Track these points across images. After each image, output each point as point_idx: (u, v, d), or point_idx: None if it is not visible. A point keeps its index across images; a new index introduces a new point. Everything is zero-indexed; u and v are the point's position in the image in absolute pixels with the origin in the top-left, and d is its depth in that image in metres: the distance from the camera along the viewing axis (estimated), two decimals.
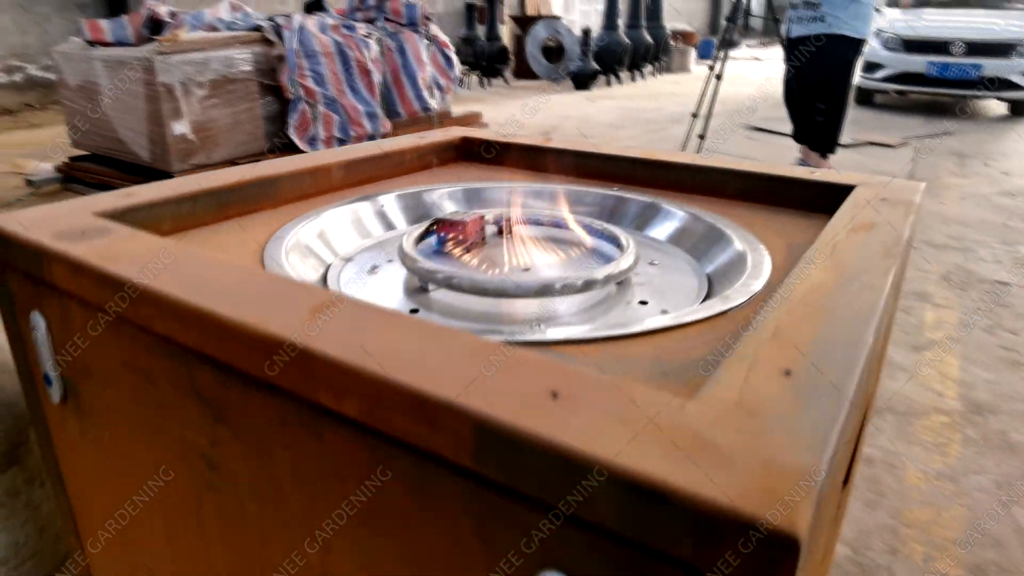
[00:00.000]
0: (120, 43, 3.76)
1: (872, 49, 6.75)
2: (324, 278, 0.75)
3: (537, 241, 0.84)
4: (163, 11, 3.95)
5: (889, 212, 0.74)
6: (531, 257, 0.80)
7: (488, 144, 1.18)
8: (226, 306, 0.48)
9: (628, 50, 9.02)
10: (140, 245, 0.62)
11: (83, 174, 3.91)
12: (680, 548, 0.31)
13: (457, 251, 0.80)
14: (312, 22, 4.06)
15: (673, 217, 0.90)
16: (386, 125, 4.37)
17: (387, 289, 0.73)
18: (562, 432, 0.34)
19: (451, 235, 0.81)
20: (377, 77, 4.30)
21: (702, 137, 4.40)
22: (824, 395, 0.38)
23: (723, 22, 4.39)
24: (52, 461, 0.76)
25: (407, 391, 0.39)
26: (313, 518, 0.48)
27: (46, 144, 5.18)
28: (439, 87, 4.80)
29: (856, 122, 6.20)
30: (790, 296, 0.51)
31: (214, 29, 3.87)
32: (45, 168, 4.14)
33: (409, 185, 1.00)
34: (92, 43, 3.79)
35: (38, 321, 0.67)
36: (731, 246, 0.78)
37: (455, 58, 4.87)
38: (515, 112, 6.86)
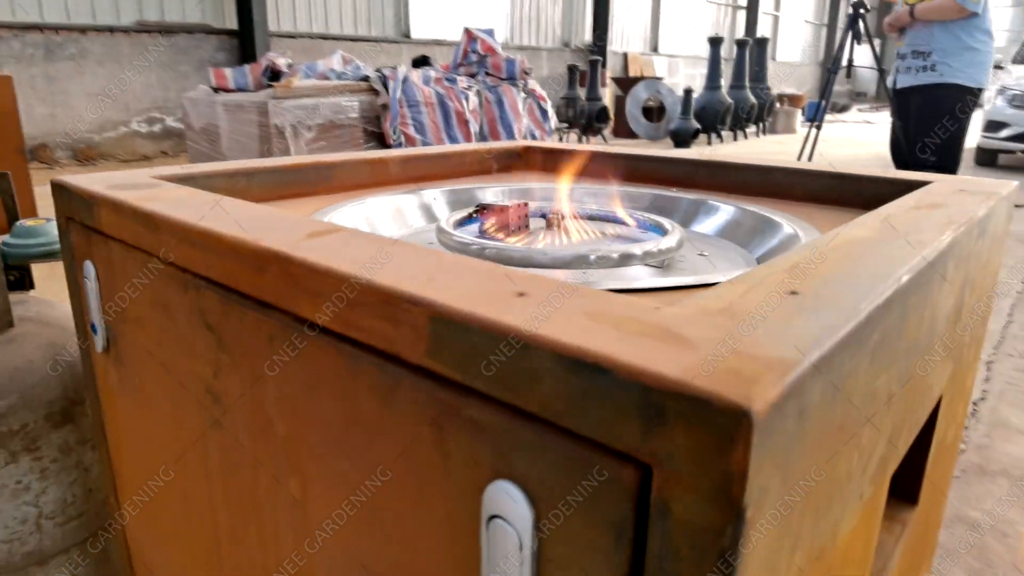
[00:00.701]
0: (240, 89, 4.08)
1: (996, 107, 6.37)
2: None
3: (582, 227, 0.82)
4: (281, 62, 4.28)
5: (962, 199, 0.67)
6: (572, 238, 0.78)
7: (549, 151, 1.17)
8: (229, 230, 0.49)
9: (730, 110, 8.94)
10: (178, 194, 0.64)
11: None
12: (627, 437, 0.27)
13: (497, 234, 0.79)
14: (416, 75, 4.27)
15: (722, 212, 0.85)
16: None
17: None
18: (513, 318, 0.32)
19: (492, 219, 0.80)
20: (474, 126, 4.44)
21: None
22: (828, 311, 0.33)
23: (825, 69, 4.26)
24: (98, 416, 0.79)
25: (372, 288, 0.37)
26: (294, 444, 0.47)
27: None
28: (534, 138, 4.90)
29: None
30: (820, 244, 0.46)
31: (325, 78, 4.15)
32: None
33: (466, 184, 1.01)
34: (216, 89, 4.15)
35: (89, 270, 0.71)
36: (781, 231, 0.73)
37: (551, 111, 4.98)
38: None
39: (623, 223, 0.81)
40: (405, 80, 4.14)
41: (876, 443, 0.41)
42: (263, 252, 0.45)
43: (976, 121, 5.39)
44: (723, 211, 0.86)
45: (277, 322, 0.45)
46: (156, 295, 0.60)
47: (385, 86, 4.07)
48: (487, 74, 4.74)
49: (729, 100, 8.87)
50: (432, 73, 4.43)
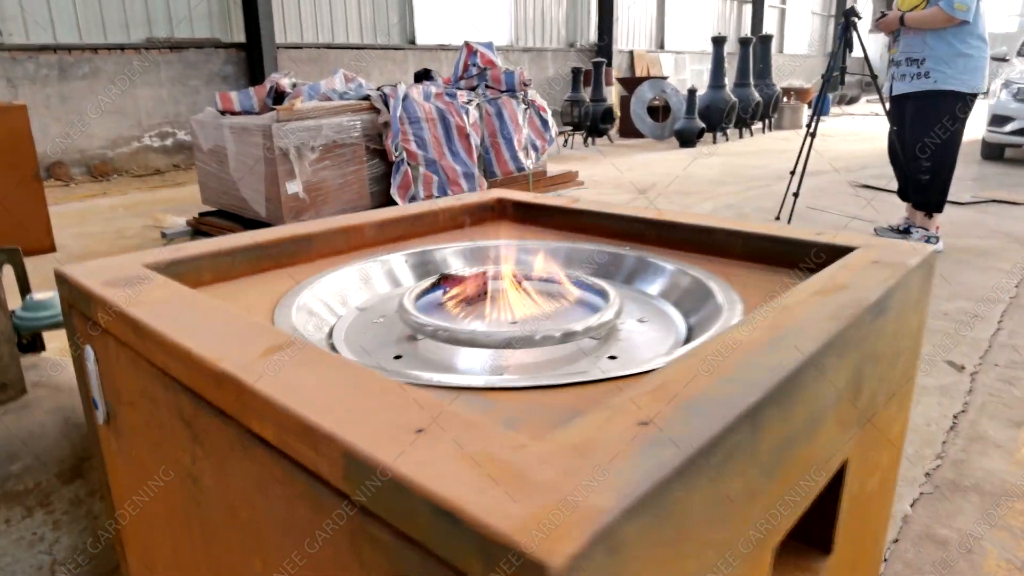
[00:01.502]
0: (246, 112, 4.19)
1: (1001, 101, 6.35)
2: (331, 330, 0.83)
3: (533, 296, 0.89)
4: (285, 83, 4.37)
5: (871, 275, 0.74)
6: (523, 311, 0.85)
7: (519, 204, 1.25)
8: (197, 343, 0.57)
9: (735, 107, 8.95)
10: (163, 293, 0.73)
11: (209, 228, 4.34)
12: (472, 569, 0.35)
13: (457, 305, 0.87)
14: (417, 91, 4.36)
15: (666, 273, 0.92)
16: (482, 184, 4.57)
17: (384, 336, 0.80)
18: (404, 461, 0.40)
19: (453, 289, 0.88)
20: (475, 140, 4.52)
21: (796, 195, 4.29)
22: (666, 445, 0.41)
23: (819, 79, 4.30)
24: (103, 474, 0.88)
25: (299, 421, 0.45)
26: (255, 529, 0.55)
27: (184, 201, 5.80)
28: (535, 148, 4.98)
29: (981, 178, 5.81)
30: (699, 352, 0.54)
31: (328, 99, 4.24)
32: (179, 222, 4.63)
33: (437, 243, 1.09)
34: (223, 112, 4.26)
35: (89, 354, 0.80)
36: (712, 299, 0.80)
37: (551, 120, 5.05)
38: (615, 170, 6.95)
39: (568, 292, 0.89)
40: (406, 97, 4.22)
41: (737, 535, 0.49)
42: (221, 373, 0.53)
43: (981, 116, 5.37)
44: (666, 272, 0.94)
45: (234, 430, 0.53)
46: (144, 386, 0.69)
47: (386, 104, 4.16)
48: (487, 87, 4.81)
49: (733, 98, 8.89)
50: (433, 89, 4.51)
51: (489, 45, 4.87)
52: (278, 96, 4.35)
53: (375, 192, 4.29)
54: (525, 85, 4.80)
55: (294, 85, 4.46)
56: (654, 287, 0.94)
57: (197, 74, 8.44)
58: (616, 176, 6.56)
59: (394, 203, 4.26)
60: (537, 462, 0.39)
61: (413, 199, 4.37)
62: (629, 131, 9.65)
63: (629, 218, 1.09)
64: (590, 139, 9.26)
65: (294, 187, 3.92)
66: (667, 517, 0.39)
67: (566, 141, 9.11)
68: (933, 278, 0.87)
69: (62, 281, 0.82)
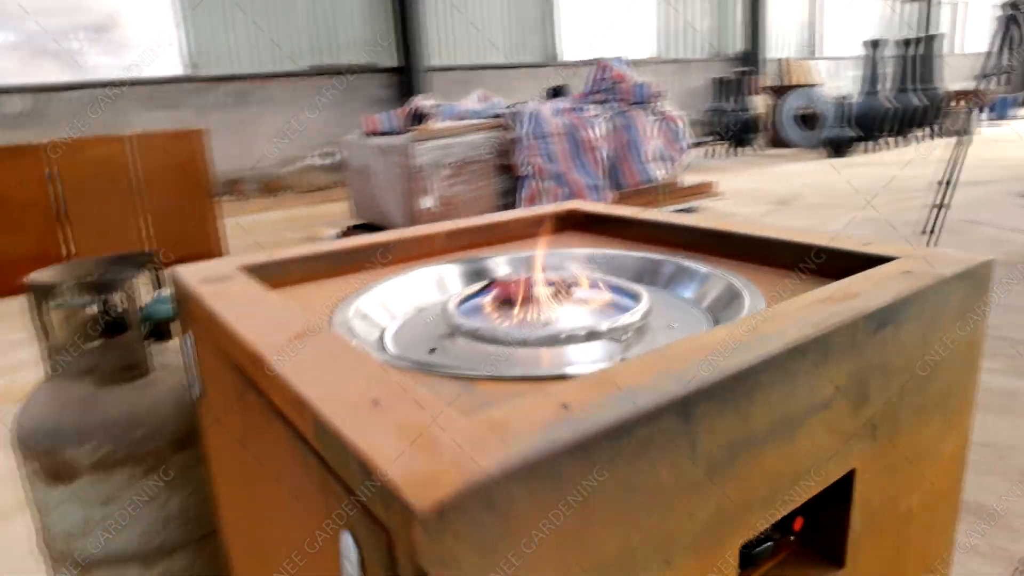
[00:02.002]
0: (389, 132, 4.52)
1: None
2: (388, 325, 0.93)
3: (572, 300, 0.95)
4: (427, 105, 4.66)
5: (887, 285, 0.72)
6: (558, 313, 0.91)
7: (589, 215, 1.30)
8: (245, 329, 0.69)
9: (892, 115, 8.30)
10: (240, 290, 0.86)
11: None
12: (376, 512, 0.42)
13: (497, 307, 0.94)
14: (547, 107, 4.48)
15: (706, 281, 0.94)
16: (608, 196, 4.60)
17: (428, 332, 0.89)
18: (348, 428, 0.48)
19: (496, 293, 0.96)
20: (602, 153, 4.57)
21: (940, 207, 3.92)
22: (567, 426, 0.46)
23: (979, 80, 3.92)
24: (202, 443, 1.04)
25: (293, 393, 0.55)
26: (264, 476, 0.66)
27: (339, 215, 6.31)
28: (667, 159, 4.94)
29: None
30: (669, 349, 0.58)
31: (463, 118, 4.47)
32: (331, 234, 5.05)
33: (503, 252, 1.16)
34: (369, 133, 4.61)
35: (188, 339, 0.95)
36: (740, 307, 0.82)
37: (684, 131, 4.98)
38: (756, 181, 6.70)
39: (603, 296, 0.94)
40: (535, 114, 4.36)
41: (678, 525, 0.52)
42: (255, 353, 0.64)
43: None
44: (703, 278, 0.96)
45: (267, 405, 0.64)
46: (216, 366, 0.82)
47: (516, 121, 4.32)
48: (617, 100, 4.85)
49: (890, 106, 8.25)
50: (562, 104, 4.62)
51: (620, 60, 4.91)
52: (419, 117, 4.65)
53: (503, 205, 4.45)
54: (656, 97, 4.78)
55: (436, 106, 4.74)
56: (690, 292, 0.96)
57: (356, 97, 9.13)
58: (757, 187, 6.32)
59: None
60: (452, 432, 0.46)
61: None
62: (777, 141, 9.24)
63: (687, 228, 1.11)
64: (734, 149, 8.97)
65: (427, 202, 4.17)
66: (565, 488, 0.44)
67: (707, 152, 8.89)
68: (988, 291, 0.83)
69: (175, 279, 0.98)
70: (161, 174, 4.80)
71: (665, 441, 0.50)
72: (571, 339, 0.77)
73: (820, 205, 5.39)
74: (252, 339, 0.67)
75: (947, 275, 0.76)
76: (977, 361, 0.86)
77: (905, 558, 0.83)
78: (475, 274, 1.08)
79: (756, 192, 6.08)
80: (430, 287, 1.05)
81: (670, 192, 5.02)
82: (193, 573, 1.15)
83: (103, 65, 7.64)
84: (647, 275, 1.04)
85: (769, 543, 0.68)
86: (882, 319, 0.67)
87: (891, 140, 8.81)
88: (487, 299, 0.95)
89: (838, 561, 0.74)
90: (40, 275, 1.15)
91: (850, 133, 8.02)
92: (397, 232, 1.17)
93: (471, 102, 4.68)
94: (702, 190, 5.32)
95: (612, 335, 0.79)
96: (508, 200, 4.46)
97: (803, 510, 0.74)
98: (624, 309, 0.91)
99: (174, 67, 7.97)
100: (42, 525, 1.13)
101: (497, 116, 4.38)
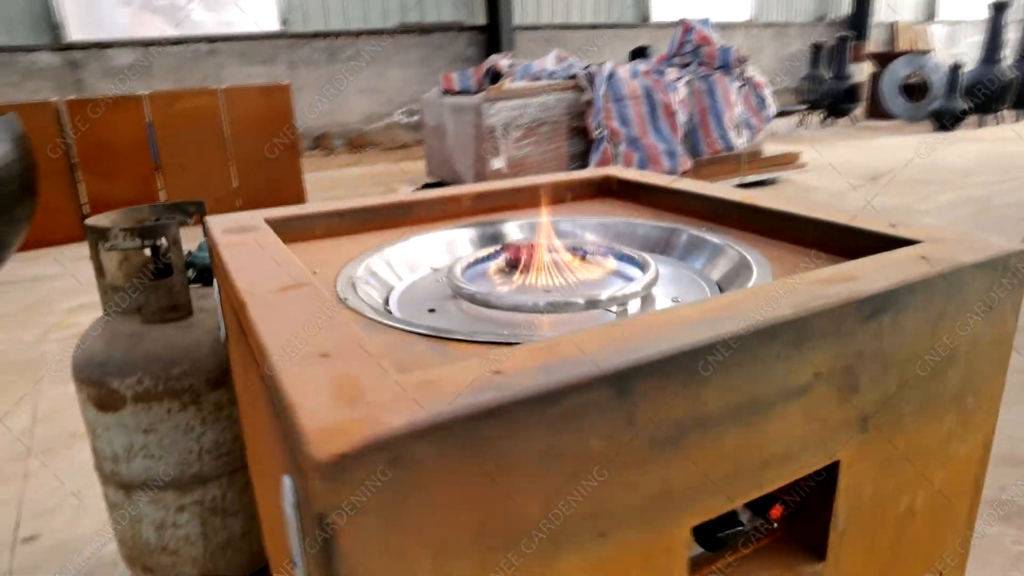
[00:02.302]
0: (464, 92, 4.52)
1: None
2: (396, 285, 0.95)
3: (577, 268, 0.94)
4: (503, 64, 4.63)
5: (894, 269, 0.68)
6: (560, 280, 0.91)
7: (624, 182, 1.27)
8: (242, 279, 0.72)
9: (1013, 86, 7.62)
10: (255, 241, 0.90)
11: None
12: (291, 455, 0.44)
13: (503, 271, 0.94)
14: (624, 69, 4.37)
15: (722, 255, 0.92)
16: (685, 163, 4.47)
17: (434, 293, 0.91)
18: (288, 377, 0.50)
19: (507, 258, 0.96)
20: (681, 118, 4.43)
21: None
22: (491, 391, 0.46)
23: None
24: (231, 383, 1.11)
25: (260, 340, 0.57)
26: (255, 419, 0.69)
27: (420, 173, 6.41)
28: (749, 127, 4.73)
29: None
30: (629, 322, 0.57)
31: (538, 79, 4.42)
32: (407, 191, 5.15)
33: (534, 216, 1.16)
34: (445, 92, 4.63)
35: (216, 287, 1.01)
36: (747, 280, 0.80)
37: (770, 98, 4.75)
38: (849, 153, 6.33)
39: (612, 264, 0.92)
40: (612, 76, 4.26)
41: (615, 498, 0.52)
42: (240, 300, 0.67)
43: None
44: (721, 254, 0.93)
45: (249, 352, 0.68)
46: (229, 311, 0.87)
47: (592, 83, 4.23)
48: (701, 64, 4.67)
49: (1011, 76, 7.56)
50: (641, 66, 4.48)
51: (706, 22, 4.71)
52: (495, 76, 4.62)
53: (575, 167, 4.40)
54: (741, 61, 4.57)
55: (511, 66, 4.70)
56: (704, 265, 0.94)
57: (441, 55, 9.15)
58: (847, 160, 5.98)
59: None
60: (380, 388, 0.47)
61: None
62: (877, 112, 8.68)
63: (715, 199, 1.08)
64: (829, 120, 8.49)
65: (498, 163, 4.17)
66: (483, 452, 0.45)
67: (801, 122, 8.46)
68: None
69: (206, 228, 1.04)
70: (248, 126, 4.99)
71: (597, 412, 0.49)
72: (564, 307, 0.77)
73: (915, 182, 5.05)
74: (243, 288, 0.70)
75: (967, 263, 0.71)
76: (1006, 359, 0.80)
77: (905, 558, 0.80)
78: (494, 238, 1.09)
79: (846, 166, 5.75)
80: (448, 249, 1.06)
81: (750, 161, 4.82)
82: (224, 503, 1.24)
83: (204, 21, 7.94)
84: (662, 245, 1.02)
85: (740, 528, 0.67)
86: (877, 305, 0.64)
87: (1008, 114, 8.11)
88: (494, 263, 0.96)
89: (819, 554, 0.71)
90: (96, 219, 1.23)
91: (961, 105, 7.42)
92: (423, 193, 1.18)
93: (548, 62, 4.61)
94: (785, 161, 5.09)
95: (607, 304, 0.79)
96: (580, 163, 4.40)
97: (788, 499, 0.72)
98: (628, 279, 0.90)
99: (270, 23, 8.20)
100: (93, 448, 1.24)
101: (572, 77, 4.30)
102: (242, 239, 0.91)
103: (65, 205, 4.57)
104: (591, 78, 4.24)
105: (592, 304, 0.77)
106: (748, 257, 0.89)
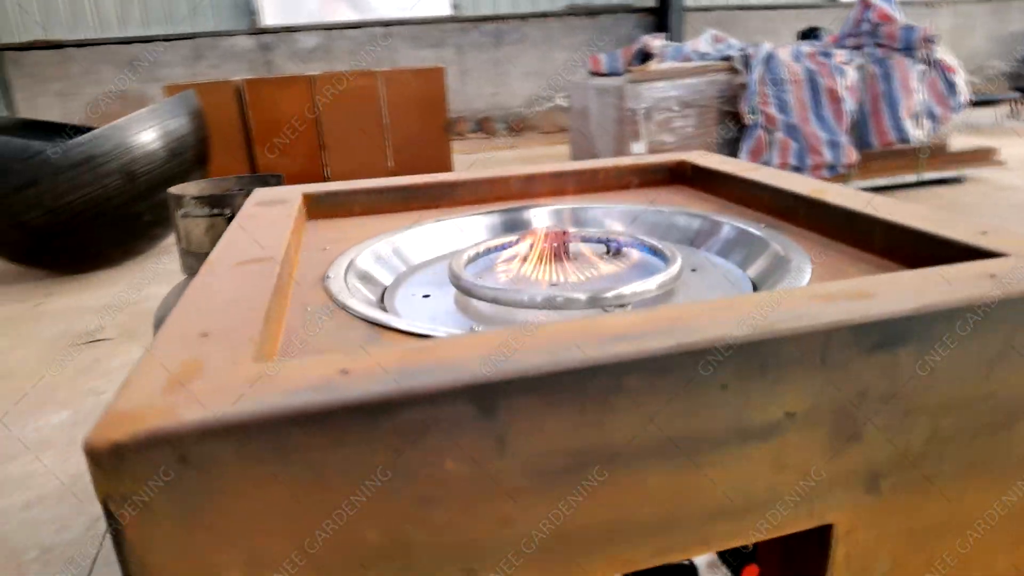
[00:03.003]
0: (611, 73, 4.39)
1: None
2: (400, 273, 0.91)
3: (593, 260, 0.85)
4: (655, 44, 4.44)
5: (932, 290, 0.53)
6: (570, 274, 0.82)
7: (699, 169, 1.14)
8: (220, 250, 0.72)
9: None
10: (270, 215, 0.90)
11: None
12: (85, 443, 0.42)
13: (511, 264, 0.87)
14: (785, 51, 4.01)
15: (756, 251, 0.78)
16: (851, 155, 4.04)
17: (441, 277, 0.86)
18: (148, 357, 0.47)
19: (521, 247, 0.89)
20: (849, 105, 4.00)
21: None
22: (310, 394, 0.41)
23: None
24: None
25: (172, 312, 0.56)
26: None
27: (564, 156, 6.35)
28: (932, 117, 4.18)
29: None
30: (561, 327, 0.48)
31: (689, 60, 4.18)
32: None
33: (590, 202, 1.07)
34: (592, 73, 4.52)
35: None
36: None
37: (962, 84, 4.16)
38: None
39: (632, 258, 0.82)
40: (770, 57, 3.93)
41: (465, 526, 0.44)
42: (201, 271, 0.66)
43: None
44: (762, 254, 0.80)
45: None
46: None
47: (746, 64, 3.93)
48: (878, 45, 4.17)
49: None
50: (806, 48, 4.09)
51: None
52: (645, 57, 4.44)
53: (725, 155, 4.13)
54: (928, 42, 4.03)
55: (663, 46, 4.50)
56: (746, 266, 0.81)
57: (608, 38, 8.99)
58: None
59: None
60: (215, 377, 0.43)
61: (764, 165, 4.09)
62: None
63: (783, 192, 0.93)
64: None
65: (639, 147, 4.01)
66: (295, 459, 0.40)
67: (1012, 111, 7.34)
68: None
69: (249, 198, 1.06)
70: (404, 108, 5.20)
71: (453, 430, 0.42)
72: (552, 303, 0.69)
73: None
74: (212, 259, 0.69)
75: (993, 295, 0.53)
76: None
77: None
78: (524, 224, 1.01)
79: None
80: (479, 232, 1.01)
81: (932, 156, 4.25)
82: None
83: (381, 6, 8.36)
84: (703, 238, 0.89)
85: None
86: (889, 334, 0.50)
87: None
88: (512, 250, 0.89)
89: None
90: (176, 188, 1.31)
91: None
92: (471, 173, 1.13)
93: (701, 43, 4.34)
94: (977, 157, 4.43)
95: (603, 304, 0.70)
96: (730, 151, 4.11)
97: (766, 559, 0.59)
98: (649, 275, 0.80)
99: (441, 8, 8.48)
100: None
101: (727, 58, 4.01)
102: (262, 211, 0.92)
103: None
104: (747, 60, 3.94)
105: (591, 302, 0.68)
106: (795, 263, 0.75)
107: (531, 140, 8.45)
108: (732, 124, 4.07)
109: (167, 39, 7.70)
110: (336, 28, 8.14)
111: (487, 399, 0.42)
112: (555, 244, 0.87)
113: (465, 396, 0.41)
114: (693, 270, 0.85)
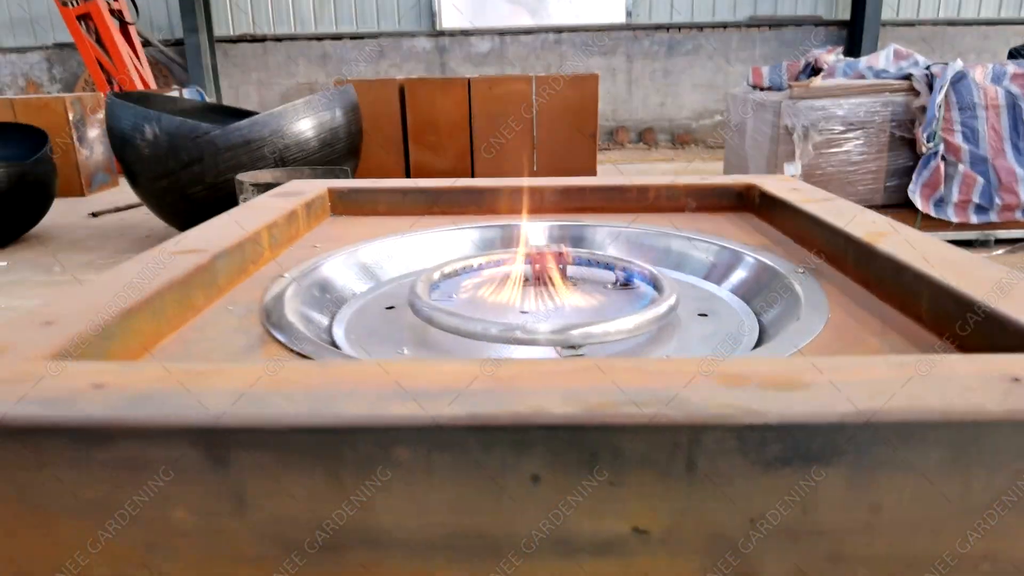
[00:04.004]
0: (773, 87, 4.07)
1: None
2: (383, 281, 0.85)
3: (585, 288, 0.74)
4: (828, 59, 4.07)
5: (922, 388, 0.38)
6: (545, 302, 0.72)
7: (766, 196, 0.98)
8: (190, 237, 0.70)
9: None
10: (269, 206, 0.88)
11: None
12: None
13: (494, 281, 0.78)
14: (982, 71, 3.50)
15: (772, 300, 0.64)
16: None
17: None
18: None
19: (503, 267, 0.79)
20: None
21: None
22: (46, 407, 0.35)
23: None
24: None
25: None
26: None
27: (719, 171, 6.01)
28: None
29: None
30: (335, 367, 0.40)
31: (861, 77, 3.78)
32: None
33: (625, 222, 0.95)
34: (754, 87, 4.23)
35: None
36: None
37: None
38: None
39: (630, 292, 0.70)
40: (960, 78, 3.43)
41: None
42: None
43: None
44: (785, 304, 0.65)
45: None
46: None
47: (929, 85, 3.47)
48: None
49: None
50: (1011, 68, 3.54)
51: None
52: (815, 72, 4.08)
53: (891, 187, 3.69)
54: None
55: (836, 61, 4.10)
56: (764, 310, 0.66)
57: (791, 51, 8.43)
58: None
59: (910, 204, 3.59)
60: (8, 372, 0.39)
61: (941, 202, 3.60)
62: None
63: (835, 231, 0.76)
64: None
65: (792, 169, 3.68)
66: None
67: None
68: None
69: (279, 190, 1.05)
70: (555, 113, 5.18)
71: (182, 477, 0.35)
72: (494, 337, 0.60)
73: None
74: (161, 246, 0.67)
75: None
76: None
77: None
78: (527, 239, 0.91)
79: None
80: (472, 245, 0.92)
81: None
82: None
83: (556, 12, 8.41)
84: (720, 272, 0.75)
85: None
86: (800, 448, 0.35)
87: None
88: (495, 270, 0.80)
89: None
90: (246, 175, 1.35)
91: None
92: (503, 181, 1.05)
93: (880, 59, 3.89)
94: None
95: (559, 344, 0.60)
96: (901, 181, 3.66)
97: None
98: (629, 310, 0.68)
99: (616, 15, 8.38)
100: None
101: (906, 77, 3.56)
102: (265, 202, 0.90)
103: (396, 172, 5.25)
104: (930, 79, 3.48)
105: (549, 340, 0.58)
106: (796, 314, 0.60)
107: (692, 154, 8.12)
108: (906, 151, 3.61)
109: (353, 37, 8.26)
110: (509, 33, 8.31)
111: (217, 447, 0.35)
112: (547, 266, 0.77)
113: (188, 440, 0.34)
114: (704, 315, 0.71)
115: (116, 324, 0.50)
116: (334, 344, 0.62)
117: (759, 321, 0.69)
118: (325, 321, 0.68)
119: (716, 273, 0.79)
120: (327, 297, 0.73)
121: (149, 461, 0.35)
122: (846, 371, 0.39)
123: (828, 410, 0.36)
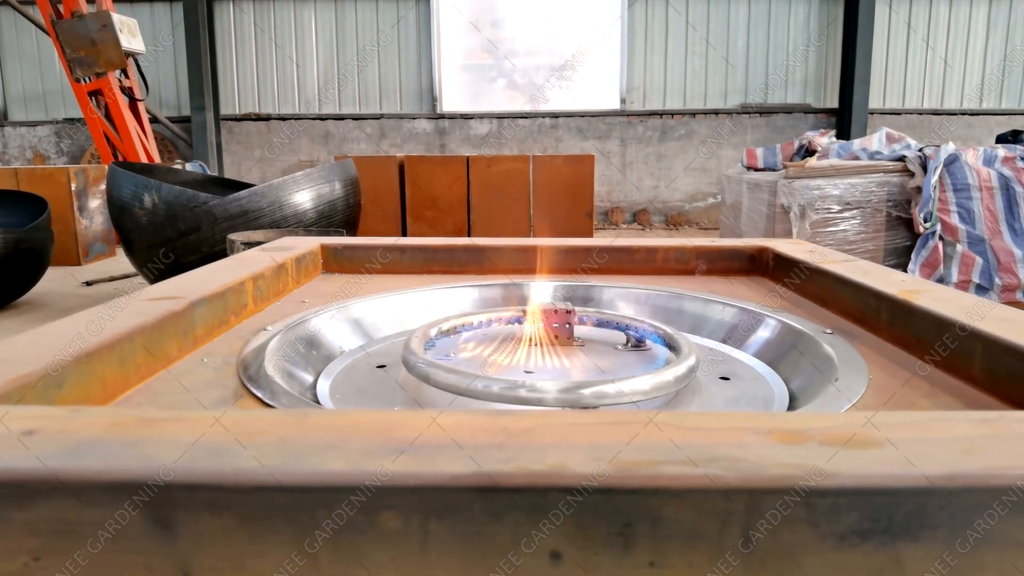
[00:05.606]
0: (768, 168, 4.13)
1: None
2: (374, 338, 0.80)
3: (597, 348, 0.68)
4: (821, 141, 4.14)
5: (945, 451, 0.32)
6: (543, 362, 0.66)
7: (781, 258, 0.93)
8: (167, 286, 0.64)
9: None
10: (260, 259, 0.83)
11: None
12: None
13: (475, 347, 0.72)
14: (973, 154, 3.56)
15: (797, 360, 0.57)
16: None
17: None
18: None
19: (523, 323, 0.74)
20: None
21: None
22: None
23: None
24: None
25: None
26: None
27: None
28: None
29: None
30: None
31: (856, 158, 3.83)
32: None
33: (625, 283, 0.91)
34: (748, 168, 4.29)
35: None
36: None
37: None
38: None
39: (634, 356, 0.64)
40: (953, 160, 3.49)
41: None
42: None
43: None
44: (816, 357, 0.59)
45: None
46: None
47: (922, 166, 3.51)
48: None
49: None
50: (1002, 152, 3.60)
51: None
52: (808, 153, 4.15)
53: (890, 266, 3.66)
54: None
55: (829, 143, 4.18)
56: (796, 376, 0.60)
57: (781, 137, 8.65)
58: None
59: None
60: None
61: (940, 283, 3.58)
62: None
63: (866, 290, 0.71)
64: None
65: None
66: None
67: None
68: None
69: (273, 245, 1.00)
70: (552, 192, 5.24)
71: (118, 542, 0.28)
72: (496, 396, 0.53)
73: None
74: (141, 292, 0.62)
75: None
76: None
77: None
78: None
79: None
80: (473, 304, 0.87)
81: None
82: None
83: (553, 98, 8.67)
84: (740, 334, 0.69)
85: None
86: (882, 516, 0.29)
87: None
88: (495, 328, 0.74)
89: None
90: (238, 235, 1.31)
91: None
92: (501, 240, 1.01)
93: (873, 141, 3.96)
94: None
95: (569, 402, 0.53)
96: (899, 260, 3.65)
97: None
98: (643, 371, 0.61)
99: (610, 102, 8.63)
100: None
101: (900, 159, 3.62)
102: (253, 256, 0.85)
103: None
104: (924, 161, 3.53)
105: (556, 401, 0.52)
106: (834, 374, 0.54)
107: (687, 234, 8.20)
108: (903, 231, 3.63)
109: (356, 118, 8.47)
110: (507, 117, 8.53)
111: (163, 508, 0.28)
112: (553, 325, 0.71)
113: (128, 498, 0.28)
114: (726, 378, 0.65)
115: (70, 368, 0.43)
116: (317, 402, 0.56)
117: (787, 386, 0.62)
118: (309, 378, 0.62)
119: (736, 336, 0.74)
120: (313, 353, 0.67)
121: (80, 524, 0.28)
122: (923, 426, 0.33)
123: (912, 471, 0.29)
